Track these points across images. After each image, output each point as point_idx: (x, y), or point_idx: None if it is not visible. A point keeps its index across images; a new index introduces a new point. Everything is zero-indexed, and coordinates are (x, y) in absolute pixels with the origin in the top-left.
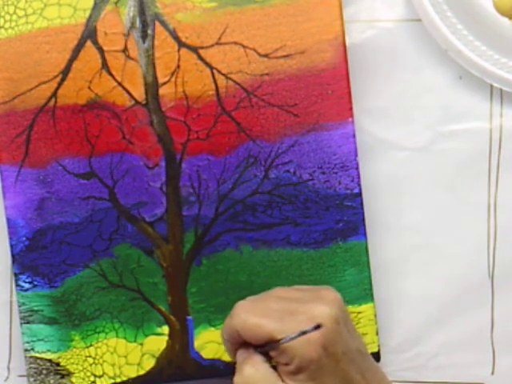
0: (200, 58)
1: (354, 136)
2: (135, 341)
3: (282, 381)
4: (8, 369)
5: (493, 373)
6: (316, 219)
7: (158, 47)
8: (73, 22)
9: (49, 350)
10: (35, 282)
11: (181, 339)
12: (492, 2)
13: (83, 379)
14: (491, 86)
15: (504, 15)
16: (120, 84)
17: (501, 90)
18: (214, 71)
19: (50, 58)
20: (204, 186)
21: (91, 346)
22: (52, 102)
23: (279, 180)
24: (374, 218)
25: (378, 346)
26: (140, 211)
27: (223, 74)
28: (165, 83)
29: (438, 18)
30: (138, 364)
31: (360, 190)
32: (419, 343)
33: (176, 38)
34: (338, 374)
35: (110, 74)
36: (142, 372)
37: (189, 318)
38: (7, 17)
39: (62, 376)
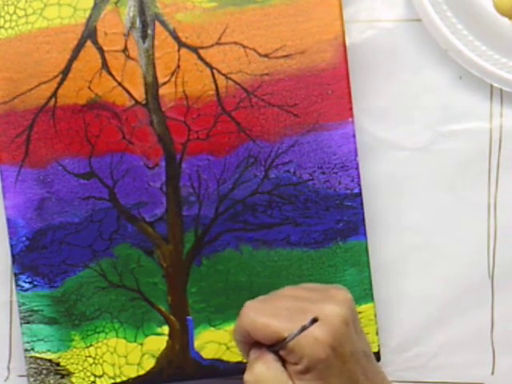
0: (200, 57)
1: (354, 136)
2: (135, 341)
3: (292, 380)
4: (8, 369)
5: (493, 373)
6: (316, 219)
7: (157, 47)
8: (73, 22)
9: (49, 350)
10: (35, 282)
11: (181, 339)
12: (492, 2)
13: (83, 379)
14: (491, 86)
15: (504, 15)
16: (120, 84)
17: (501, 90)
18: (214, 71)
19: (50, 58)
20: (204, 186)
21: (91, 345)
22: (52, 102)
23: (279, 180)
24: (374, 218)
25: (378, 346)
26: (140, 211)
27: (223, 74)
28: (165, 83)
29: (438, 18)
30: (138, 364)
31: (360, 190)
32: (419, 343)
33: (176, 38)
34: (345, 374)
35: (110, 74)
36: (141, 372)
37: (189, 318)
38: (7, 17)
39: (62, 376)
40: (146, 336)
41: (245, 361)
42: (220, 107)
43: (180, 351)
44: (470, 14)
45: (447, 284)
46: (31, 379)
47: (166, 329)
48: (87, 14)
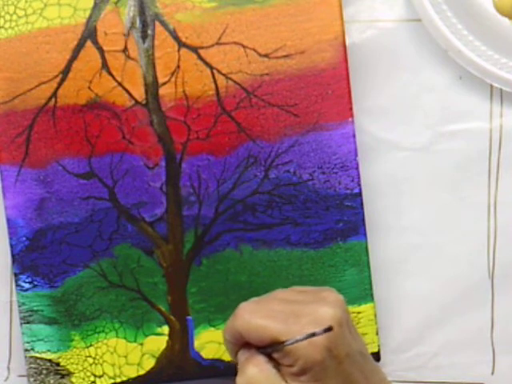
0: (200, 58)
1: (354, 136)
2: (135, 341)
3: (285, 381)
4: (8, 369)
5: (493, 373)
6: (316, 219)
7: (158, 47)
8: (73, 22)
9: (49, 350)
10: (35, 282)
11: (181, 339)
12: (492, 2)
13: (83, 379)
14: (491, 86)
15: (504, 15)
16: (120, 84)
17: (501, 90)
18: (214, 71)
19: (50, 58)
20: (204, 185)
21: (91, 346)
22: (52, 102)
23: (279, 180)
24: (373, 218)
25: (378, 346)
26: (140, 211)
27: (223, 74)
28: (165, 83)
29: (438, 18)
30: (138, 364)
31: (360, 189)
32: (419, 343)
33: (176, 38)
34: (341, 375)
35: (110, 74)
36: (142, 372)
37: (189, 318)
38: (7, 17)
39: (62, 376)
40: (146, 336)
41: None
42: (220, 107)
43: (180, 351)
44: (470, 14)
45: (447, 284)
46: (31, 379)
47: (165, 329)
48: (87, 13)
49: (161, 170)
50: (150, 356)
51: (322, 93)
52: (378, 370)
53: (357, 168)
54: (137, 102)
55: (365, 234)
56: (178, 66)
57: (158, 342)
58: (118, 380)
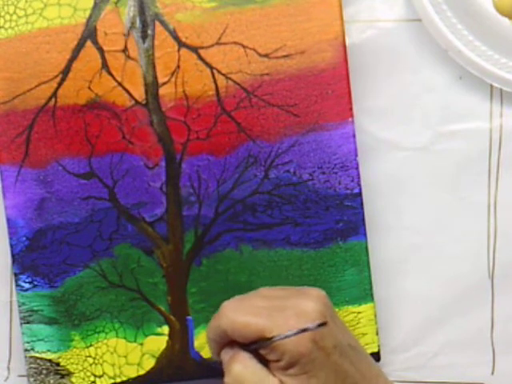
0: (200, 58)
1: (354, 136)
2: (135, 341)
3: (273, 375)
4: (8, 369)
5: (493, 373)
6: (316, 219)
7: (158, 47)
8: (73, 22)
9: (49, 350)
10: (35, 282)
11: (181, 339)
12: (492, 2)
13: (83, 379)
14: (491, 86)
15: (504, 15)
16: (120, 84)
17: (501, 90)
18: (214, 71)
19: (50, 58)
20: (204, 186)
21: (91, 346)
22: (52, 102)
23: (279, 180)
24: (374, 218)
25: (378, 346)
26: (140, 211)
27: (223, 74)
28: (165, 83)
29: (438, 18)
30: (138, 364)
31: (360, 190)
32: (419, 343)
33: (176, 38)
34: (330, 366)
35: (110, 74)
36: (142, 372)
37: (189, 318)
38: (7, 17)
39: (62, 376)
40: (146, 336)
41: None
42: (220, 107)
43: (180, 351)
44: (469, 14)
45: (447, 284)
46: (31, 379)
47: (165, 329)
48: (87, 13)
49: (161, 169)
50: (149, 356)
51: (322, 93)
52: (372, 364)
53: (357, 168)
54: (137, 102)
55: (365, 234)
56: (178, 66)
57: (157, 341)
58: (118, 380)
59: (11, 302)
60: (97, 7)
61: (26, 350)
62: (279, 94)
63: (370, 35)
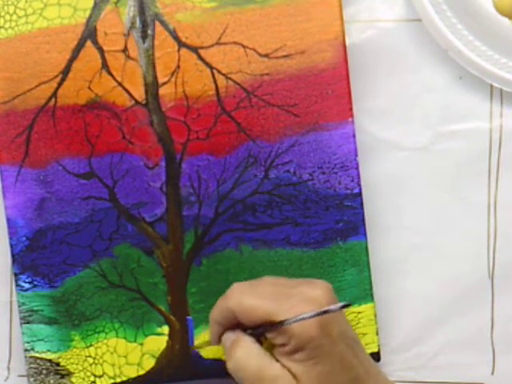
0: (200, 58)
1: (354, 136)
2: (135, 341)
3: (277, 360)
4: (8, 369)
5: (493, 373)
6: (316, 219)
7: (158, 47)
8: (73, 22)
9: (49, 350)
10: (35, 282)
11: (181, 339)
12: (492, 2)
13: (83, 379)
14: (491, 86)
15: (504, 15)
16: (120, 84)
17: (501, 90)
18: (214, 71)
19: (50, 58)
20: (204, 186)
21: (91, 346)
22: (52, 102)
23: (279, 180)
24: (374, 218)
25: (378, 346)
26: (140, 211)
27: (223, 74)
28: (165, 83)
29: (438, 18)
30: (138, 364)
31: (360, 190)
32: (419, 343)
33: (176, 38)
34: (336, 356)
35: (110, 74)
36: (142, 372)
37: (189, 318)
38: (7, 17)
39: (62, 376)
40: (146, 336)
41: None
42: (220, 107)
43: (180, 351)
44: (469, 14)
45: (447, 284)
46: (31, 379)
47: (165, 329)
48: (87, 13)
49: (161, 169)
50: (150, 356)
51: (322, 93)
52: (373, 362)
53: (357, 168)
54: (137, 102)
55: (365, 234)
56: (178, 66)
57: (157, 342)
58: (118, 380)
59: (11, 301)
60: (97, 7)
61: (26, 350)
62: (279, 94)
63: (370, 35)
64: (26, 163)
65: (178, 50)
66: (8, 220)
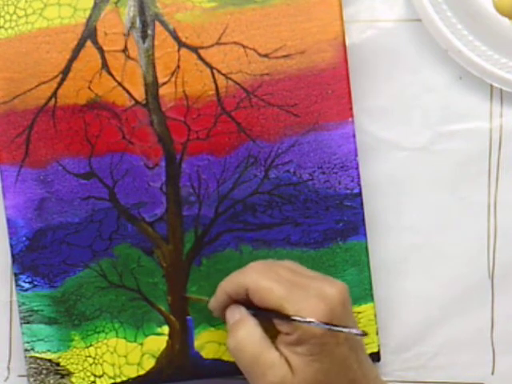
0: (200, 58)
1: (354, 136)
2: (135, 341)
3: (276, 348)
4: (8, 369)
5: (493, 373)
6: (316, 219)
7: (158, 47)
8: (73, 22)
9: (49, 350)
10: (35, 282)
11: (181, 339)
12: (492, 2)
13: (83, 379)
14: (491, 86)
15: (504, 15)
16: (120, 84)
17: (501, 90)
18: (214, 71)
19: (50, 58)
20: (204, 186)
21: (91, 346)
22: (52, 102)
23: (279, 180)
24: (374, 218)
25: (378, 346)
26: (140, 211)
27: (223, 74)
28: (165, 83)
29: (438, 18)
30: (138, 364)
31: (360, 189)
32: (419, 343)
33: (176, 38)
34: (337, 357)
35: (110, 74)
36: (142, 372)
37: (189, 317)
38: (7, 17)
39: (62, 376)
40: (146, 336)
41: None
42: (220, 107)
43: (180, 351)
44: (469, 14)
45: (447, 284)
46: (31, 379)
47: (165, 329)
48: (87, 13)
49: (161, 170)
50: (150, 356)
51: (322, 93)
52: (373, 367)
53: (357, 168)
54: (137, 102)
55: (365, 234)
56: (178, 66)
57: (158, 342)
58: (118, 380)
59: (11, 301)
60: (97, 7)
61: (26, 350)
62: (279, 94)
63: (370, 35)
64: (26, 163)
65: (178, 50)
66: (8, 220)
